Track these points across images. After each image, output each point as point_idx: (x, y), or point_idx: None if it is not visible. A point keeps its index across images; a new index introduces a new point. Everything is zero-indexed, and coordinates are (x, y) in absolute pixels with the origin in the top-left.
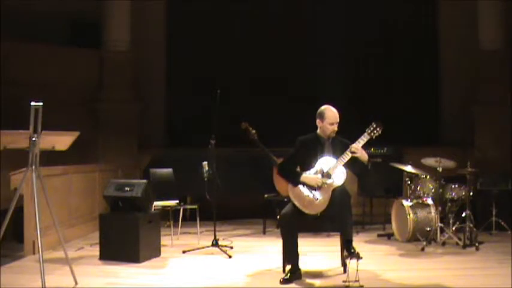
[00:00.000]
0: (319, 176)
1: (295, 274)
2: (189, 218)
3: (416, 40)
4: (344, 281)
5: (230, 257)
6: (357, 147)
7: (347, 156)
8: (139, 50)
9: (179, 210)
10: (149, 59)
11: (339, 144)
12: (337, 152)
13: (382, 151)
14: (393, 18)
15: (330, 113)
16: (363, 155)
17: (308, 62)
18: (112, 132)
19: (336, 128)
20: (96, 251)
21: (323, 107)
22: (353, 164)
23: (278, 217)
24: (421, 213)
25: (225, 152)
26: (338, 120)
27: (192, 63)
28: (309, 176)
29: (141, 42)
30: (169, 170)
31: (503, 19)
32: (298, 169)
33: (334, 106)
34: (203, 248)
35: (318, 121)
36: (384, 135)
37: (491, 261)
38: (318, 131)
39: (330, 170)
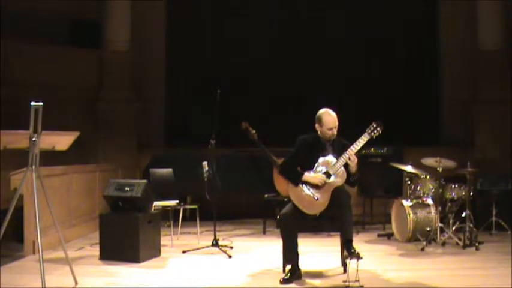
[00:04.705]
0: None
1: (295, 274)
2: (189, 218)
3: (416, 40)
4: (344, 281)
5: (230, 257)
6: (354, 152)
7: (346, 157)
8: (140, 50)
9: (179, 210)
10: (149, 59)
11: (340, 144)
12: (338, 152)
13: (382, 151)
14: (393, 18)
15: (328, 118)
16: (353, 166)
17: (308, 62)
18: (112, 132)
19: (334, 133)
20: (96, 251)
21: (321, 111)
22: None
23: (278, 217)
24: (421, 213)
25: (225, 152)
26: (336, 125)
27: (192, 63)
28: (311, 174)
29: (141, 42)
30: (169, 170)
31: (503, 19)
32: (298, 169)
33: (333, 106)
34: (203, 248)
35: (316, 125)
36: (383, 135)
37: (491, 261)
38: (319, 132)
39: (330, 169)
